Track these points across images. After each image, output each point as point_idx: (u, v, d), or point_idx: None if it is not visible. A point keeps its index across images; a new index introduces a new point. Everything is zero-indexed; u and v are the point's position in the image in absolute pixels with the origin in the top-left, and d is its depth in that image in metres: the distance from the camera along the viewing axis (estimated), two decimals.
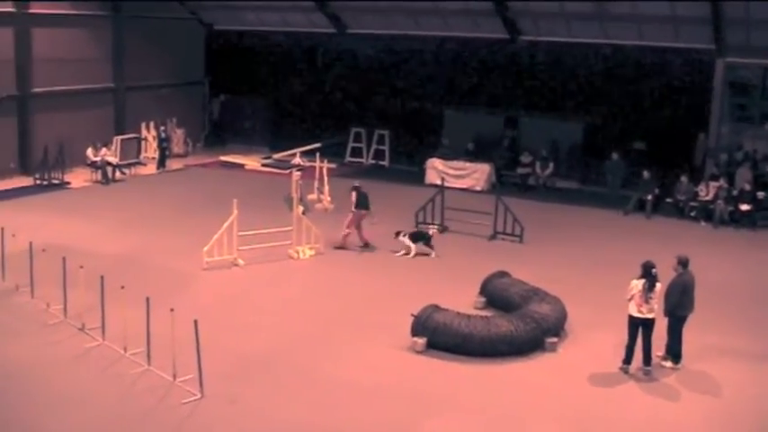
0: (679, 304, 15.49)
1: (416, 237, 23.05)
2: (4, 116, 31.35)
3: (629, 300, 15.35)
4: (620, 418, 13.93)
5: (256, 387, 14.63)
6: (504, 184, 31.45)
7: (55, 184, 30.61)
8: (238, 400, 14.06)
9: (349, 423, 13.45)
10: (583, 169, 32.98)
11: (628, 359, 15.56)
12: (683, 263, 15.69)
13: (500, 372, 15.56)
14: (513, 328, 16.13)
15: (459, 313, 16.59)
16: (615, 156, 30.56)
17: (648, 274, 15.17)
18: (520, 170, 32.45)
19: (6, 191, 29.47)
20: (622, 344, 15.60)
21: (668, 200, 28.94)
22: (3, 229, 19.63)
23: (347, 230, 23.18)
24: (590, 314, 18.19)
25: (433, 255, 22.74)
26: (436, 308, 16.69)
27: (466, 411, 13.98)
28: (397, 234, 22.94)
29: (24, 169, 32.07)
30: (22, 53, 31.80)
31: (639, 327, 15.35)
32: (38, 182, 30.70)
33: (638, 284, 15.23)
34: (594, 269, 22.08)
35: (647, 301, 15.18)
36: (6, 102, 31.25)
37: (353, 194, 23.22)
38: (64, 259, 17.17)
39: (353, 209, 23.18)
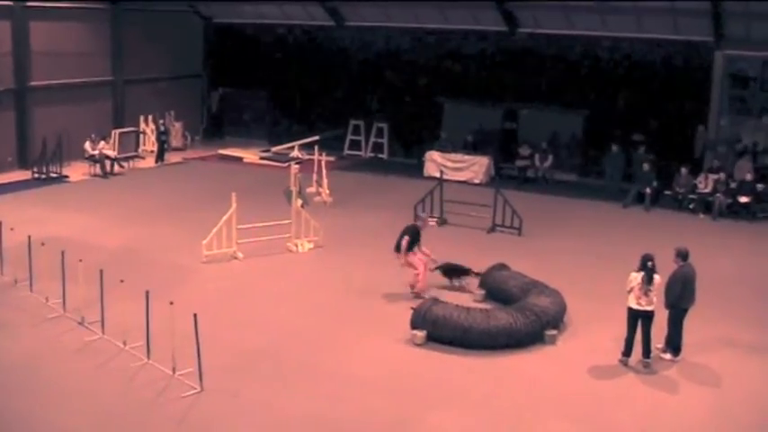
0: (680, 297, 15.49)
1: (450, 271, 19.88)
2: (2, 110, 31.29)
3: (629, 292, 15.36)
4: (620, 411, 13.93)
5: (256, 380, 14.63)
6: (502, 176, 31.40)
7: (53, 178, 30.58)
8: (238, 394, 14.05)
9: (350, 416, 13.46)
10: (582, 162, 32.97)
11: (627, 351, 15.56)
12: (683, 255, 15.69)
13: (500, 364, 15.56)
14: (512, 321, 16.14)
15: (458, 306, 16.60)
16: (615, 148, 30.54)
17: (647, 266, 15.17)
18: (519, 162, 32.43)
19: (4, 185, 29.43)
20: (622, 336, 15.59)
21: (667, 192, 28.94)
22: (1, 222, 19.59)
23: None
24: (589, 307, 18.20)
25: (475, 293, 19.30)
26: (436, 301, 16.71)
27: (466, 404, 13.99)
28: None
29: (22, 163, 32.04)
30: (20, 46, 31.72)
31: (639, 319, 15.35)
32: (36, 175, 30.66)
33: (636, 277, 15.22)
34: (593, 262, 22.07)
35: (645, 293, 15.18)
36: (4, 95, 31.18)
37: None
38: (63, 253, 17.15)
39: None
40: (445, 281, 19.62)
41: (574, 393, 14.50)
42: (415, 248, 19.10)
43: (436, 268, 19.55)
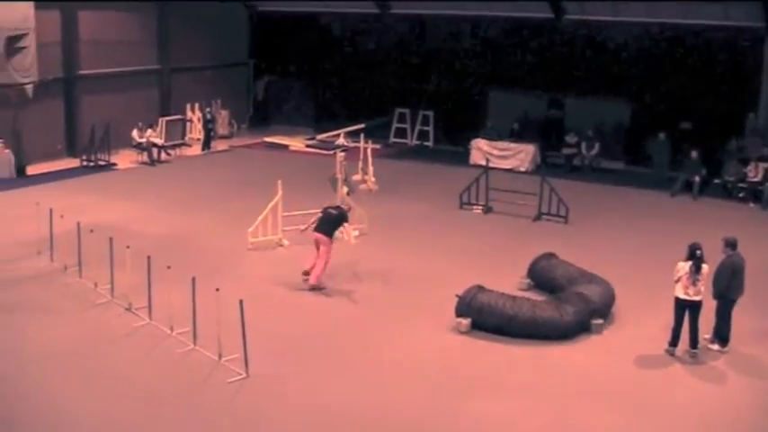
0: (728, 287, 15.31)
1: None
2: (52, 98, 31.63)
3: (676, 282, 15.19)
4: (665, 401, 13.82)
5: (301, 367, 14.69)
6: (548, 164, 31.21)
7: (101, 166, 30.88)
8: (283, 380, 14.13)
9: (393, 403, 13.48)
10: (629, 150, 32.67)
11: (674, 341, 15.42)
12: (732, 244, 15.49)
13: (544, 353, 15.48)
14: (558, 311, 16.04)
15: (503, 294, 16.52)
16: (662, 136, 30.21)
17: (695, 256, 15.00)
18: (565, 150, 32.23)
19: (54, 172, 29.80)
20: (669, 326, 15.46)
21: (716, 181, 28.61)
22: (51, 210, 19.81)
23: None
24: (636, 296, 18.05)
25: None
26: (481, 288, 16.63)
27: (510, 392, 13.94)
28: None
29: (71, 151, 32.38)
30: (69, 36, 32.05)
31: (686, 309, 15.19)
32: (84, 163, 30.99)
33: (684, 266, 15.06)
34: (640, 251, 21.87)
35: (693, 283, 15.01)
36: (53, 84, 31.52)
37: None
38: (111, 239, 17.32)
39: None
40: None
41: (619, 383, 14.41)
42: (340, 230, 19.01)
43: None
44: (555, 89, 33.93)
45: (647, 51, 32.10)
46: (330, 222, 18.93)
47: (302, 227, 20.58)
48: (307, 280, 18.67)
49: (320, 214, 19.30)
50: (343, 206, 19.92)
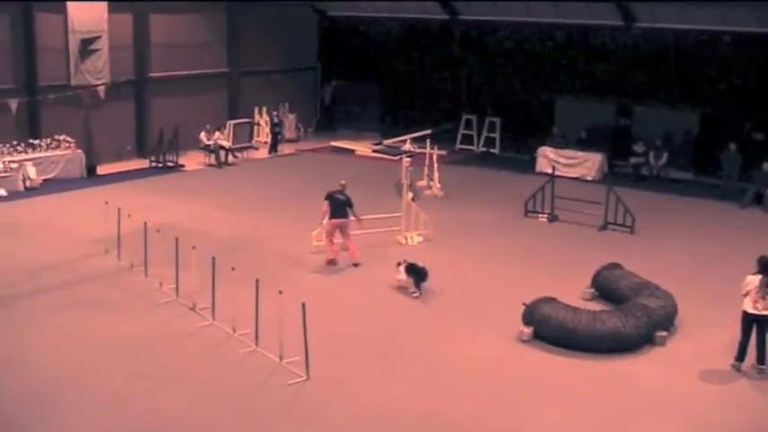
0: None
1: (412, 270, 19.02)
2: (123, 100, 32.14)
3: (744, 295, 14.90)
4: (729, 416, 13.57)
5: (361, 371, 14.70)
6: (616, 173, 30.86)
7: (169, 167, 31.26)
8: (343, 383, 14.15)
9: (451, 409, 13.42)
10: (698, 160, 32.15)
11: (740, 356, 15.11)
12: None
13: (606, 364, 15.29)
14: (620, 324, 15.78)
15: (566, 306, 16.33)
16: (732, 146, 29.68)
17: (765, 269, 14.71)
18: (633, 160, 31.83)
19: (123, 173, 30.28)
20: (735, 340, 15.18)
21: None
22: (119, 209, 20.09)
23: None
24: (702, 309, 17.76)
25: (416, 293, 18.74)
26: (547, 299, 16.46)
27: (570, 402, 13.80)
28: (398, 264, 19.20)
29: (141, 152, 32.88)
30: (140, 39, 32.53)
31: (754, 324, 14.89)
32: (153, 164, 31.42)
33: (754, 280, 14.77)
34: (708, 263, 21.52)
35: (763, 297, 14.71)
36: (124, 86, 32.00)
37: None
38: (177, 240, 17.51)
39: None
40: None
41: (682, 396, 14.18)
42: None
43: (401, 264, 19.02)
44: (623, 97, 33.54)
45: (719, 60, 31.54)
46: (344, 206, 20.40)
47: (322, 221, 20.66)
48: (332, 262, 20.47)
49: (331, 201, 20.41)
50: (344, 191, 20.63)
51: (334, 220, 20.40)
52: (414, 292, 18.54)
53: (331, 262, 20.49)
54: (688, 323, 17.11)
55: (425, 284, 18.70)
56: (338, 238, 20.70)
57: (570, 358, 15.46)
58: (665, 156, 31.30)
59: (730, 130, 30.68)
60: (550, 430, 12.98)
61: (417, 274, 18.70)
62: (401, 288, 18.81)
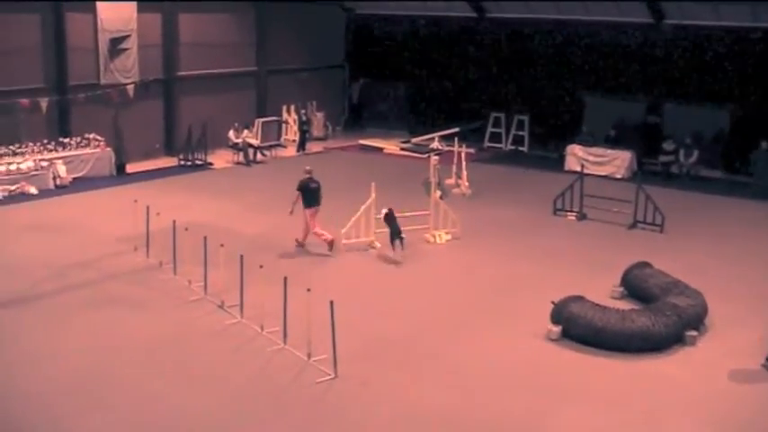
0: None
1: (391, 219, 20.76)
2: (151, 99, 32.31)
3: None
4: (759, 417, 13.42)
5: (389, 369, 14.68)
6: (645, 172, 30.65)
7: (198, 165, 31.39)
8: (371, 382, 14.14)
9: (479, 408, 13.38)
10: (728, 158, 31.87)
11: None
12: None
13: (635, 364, 15.17)
14: (649, 324, 15.65)
15: (595, 305, 16.22)
16: (764, 144, 29.37)
17: None
18: (662, 158, 31.60)
19: (152, 171, 30.44)
20: (765, 340, 15.05)
21: None
22: (148, 207, 20.18)
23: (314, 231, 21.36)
24: (732, 308, 17.62)
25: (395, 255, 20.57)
26: (576, 298, 16.38)
27: (598, 402, 13.71)
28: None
29: (169, 150, 33.03)
30: (169, 38, 32.68)
31: None
32: (182, 162, 31.55)
33: None
34: (738, 262, 21.29)
35: None
36: (153, 85, 32.16)
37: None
38: (205, 238, 17.56)
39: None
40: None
41: (711, 396, 14.05)
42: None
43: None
44: (653, 95, 33.32)
45: (750, 57, 31.26)
46: (318, 192, 21.27)
47: (291, 211, 21.22)
48: (300, 245, 21.38)
49: (305, 190, 21.06)
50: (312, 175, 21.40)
51: (312, 209, 21.12)
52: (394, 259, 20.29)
53: (331, 244, 20.88)
54: (718, 322, 16.96)
55: (401, 242, 20.43)
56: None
57: (599, 357, 15.36)
58: (696, 154, 31.04)
59: (761, 128, 30.35)
60: (578, 430, 12.89)
61: (393, 225, 20.56)
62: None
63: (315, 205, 21.18)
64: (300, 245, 21.50)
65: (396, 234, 20.51)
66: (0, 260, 19.87)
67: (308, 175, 21.36)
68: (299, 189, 21.12)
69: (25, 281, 18.58)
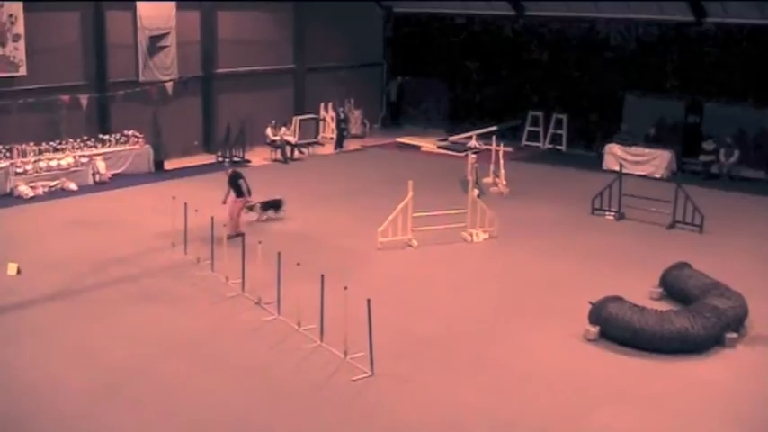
0: None
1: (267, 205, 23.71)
2: (190, 96, 32.48)
3: None
4: None
5: (426, 368, 14.65)
6: (685, 171, 30.38)
7: (236, 162, 31.41)
8: (407, 380, 14.12)
9: (516, 409, 13.33)
10: None
11: None
12: None
13: (674, 365, 15.03)
14: (688, 325, 15.47)
15: (633, 305, 16.07)
16: None
17: None
18: (702, 158, 31.29)
19: (190, 167, 30.56)
20: None
21: None
22: (186, 204, 20.28)
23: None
24: None
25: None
26: (614, 298, 16.25)
27: (635, 404, 13.60)
28: (251, 208, 23.09)
29: (207, 147, 33.17)
30: (208, 35, 32.82)
31: None
32: (220, 159, 31.63)
33: None
34: None
35: None
36: (192, 82, 32.33)
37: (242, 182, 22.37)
38: (243, 234, 17.60)
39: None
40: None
41: (750, 400, 13.90)
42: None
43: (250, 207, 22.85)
44: (693, 94, 33.01)
45: None
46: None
47: (224, 201, 22.21)
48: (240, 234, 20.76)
49: (238, 182, 22.10)
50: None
51: (243, 199, 22.08)
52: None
53: (239, 234, 20.31)
54: (759, 325, 16.75)
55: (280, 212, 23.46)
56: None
57: (637, 359, 15.24)
58: (736, 154, 30.70)
59: None
60: None
61: (272, 205, 23.43)
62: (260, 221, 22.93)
63: (243, 196, 22.13)
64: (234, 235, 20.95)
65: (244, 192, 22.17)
66: (41, 255, 20.06)
67: (236, 170, 23.03)
68: (236, 179, 22.21)
69: (66, 276, 18.76)
